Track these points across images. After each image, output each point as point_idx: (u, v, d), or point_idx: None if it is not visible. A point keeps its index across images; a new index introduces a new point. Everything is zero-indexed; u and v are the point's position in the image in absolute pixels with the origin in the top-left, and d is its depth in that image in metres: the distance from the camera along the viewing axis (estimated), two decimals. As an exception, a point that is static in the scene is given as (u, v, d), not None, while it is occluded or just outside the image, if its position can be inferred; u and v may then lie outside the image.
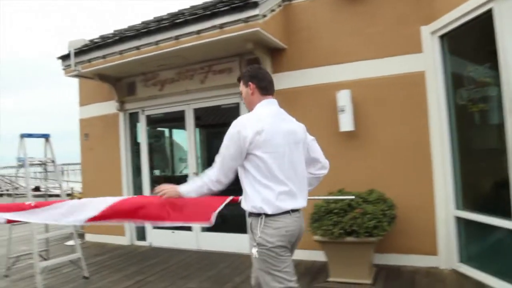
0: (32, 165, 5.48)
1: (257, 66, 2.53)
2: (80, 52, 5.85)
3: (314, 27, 5.33)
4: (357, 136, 5.00)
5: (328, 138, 5.13)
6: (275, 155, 2.17)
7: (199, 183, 2.34)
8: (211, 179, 2.29)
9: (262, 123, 2.18)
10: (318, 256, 5.11)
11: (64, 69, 6.19)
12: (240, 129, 2.18)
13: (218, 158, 2.27)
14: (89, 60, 5.82)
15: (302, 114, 5.35)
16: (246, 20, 4.59)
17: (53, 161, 5.36)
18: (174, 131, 7.01)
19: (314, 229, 4.35)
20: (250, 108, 2.43)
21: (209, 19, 4.78)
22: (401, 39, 4.81)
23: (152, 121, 6.73)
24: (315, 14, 5.34)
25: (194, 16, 4.84)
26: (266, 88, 2.39)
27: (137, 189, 6.84)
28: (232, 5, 4.61)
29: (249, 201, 2.21)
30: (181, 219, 2.68)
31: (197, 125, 6.19)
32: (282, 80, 5.46)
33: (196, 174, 6.11)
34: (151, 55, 5.30)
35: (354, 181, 4.82)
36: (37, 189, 21.56)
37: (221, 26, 4.72)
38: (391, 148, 4.83)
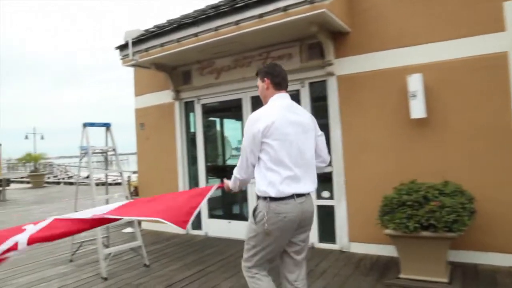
0: (94, 153, 5.56)
1: (273, 63, 2.71)
2: (137, 41, 5.86)
3: (380, 7, 5.00)
4: (429, 123, 4.65)
5: (398, 126, 4.83)
6: (284, 143, 2.40)
7: (232, 179, 2.70)
8: (236, 177, 2.64)
9: (273, 115, 2.42)
10: (384, 250, 4.87)
11: (121, 59, 6.24)
12: (254, 123, 2.43)
13: (240, 156, 2.54)
14: (147, 49, 5.81)
15: (369, 101, 5.13)
16: (311, 1, 4.35)
17: (114, 150, 5.40)
18: (228, 120, 6.88)
19: (385, 222, 4.09)
20: (265, 102, 2.65)
21: (272, 2, 4.58)
22: (479, 17, 4.39)
23: (208, 110, 6.66)
24: (382, -7, 5.00)
25: (255, 0, 4.65)
26: (279, 84, 2.61)
27: (192, 178, 6.83)
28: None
29: (257, 185, 2.46)
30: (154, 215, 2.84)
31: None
32: (346, 65, 5.19)
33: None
34: (209, 41, 5.18)
35: (426, 172, 4.51)
36: (88, 177, 22.60)
37: (285, 8, 4.51)
38: (468, 136, 4.45)
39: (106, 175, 5.85)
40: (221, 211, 6.81)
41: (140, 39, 5.83)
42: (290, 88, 5.64)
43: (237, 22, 4.85)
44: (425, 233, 3.85)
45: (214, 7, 5.60)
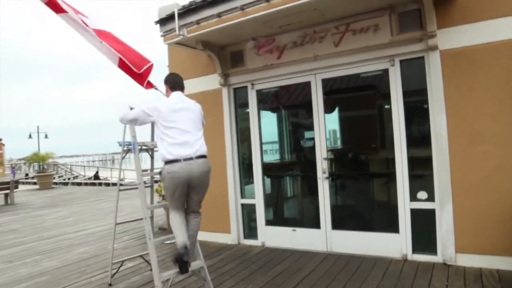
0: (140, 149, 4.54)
1: (169, 74, 3.94)
2: (186, 11, 4.82)
3: (501, -37, 3.98)
4: None
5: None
6: (173, 123, 3.43)
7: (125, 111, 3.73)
8: (123, 118, 3.72)
9: (166, 104, 3.54)
10: (507, 263, 3.90)
11: (163, 35, 5.17)
12: (156, 105, 3.52)
13: (138, 109, 3.61)
14: (198, 21, 4.77)
15: (483, 80, 4.00)
16: None
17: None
18: (292, 109, 5.85)
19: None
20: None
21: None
22: None
23: (265, 97, 5.63)
24: None
25: None
26: (173, 87, 3.72)
27: (245, 183, 5.81)
28: None
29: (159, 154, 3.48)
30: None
31: (327, 98, 5.00)
32: (453, 37, 4.20)
33: (326, 159, 4.97)
34: (285, 7, 4.16)
35: None
36: (96, 177, 21.62)
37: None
38: None
39: (152, 178, 4.79)
40: (282, 216, 5.81)
41: (190, 9, 4.79)
42: (374, 67, 4.84)
43: (324, -20, 3.83)
44: None
45: None
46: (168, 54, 6.47)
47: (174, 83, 3.71)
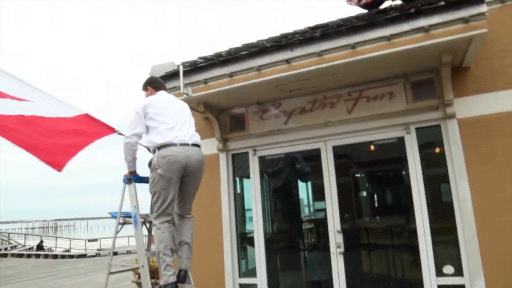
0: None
1: (150, 76, 3.91)
2: (194, 69, 4.53)
3: (508, 40, 4.19)
4: None
5: None
6: (165, 111, 3.36)
7: (124, 151, 3.40)
8: (127, 136, 3.34)
9: (153, 98, 3.50)
10: None
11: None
12: (142, 103, 3.39)
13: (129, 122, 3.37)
14: (206, 81, 4.49)
15: (502, 147, 3.99)
16: (466, 19, 3.41)
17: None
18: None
19: None
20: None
21: (409, 20, 3.58)
22: None
23: (268, 164, 5.28)
24: (508, 23, 4.22)
25: (387, 17, 3.63)
26: (158, 87, 3.68)
27: (245, 259, 5.22)
28: (449, 1, 3.44)
29: (149, 143, 3.33)
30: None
31: (338, 166, 4.75)
32: (468, 106, 4.24)
33: (340, 232, 4.59)
34: (304, 70, 4.01)
35: None
36: (40, 247, 19.27)
37: (427, 29, 3.53)
38: None
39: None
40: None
41: (197, 67, 4.51)
42: (388, 135, 4.74)
43: (353, 45, 3.76)
44: None
45: (317, 27, 4.49)
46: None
47: (158, 83, 3.70)
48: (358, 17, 4.07)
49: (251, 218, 5.15)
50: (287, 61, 4.06)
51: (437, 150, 4.37)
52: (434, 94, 4.35)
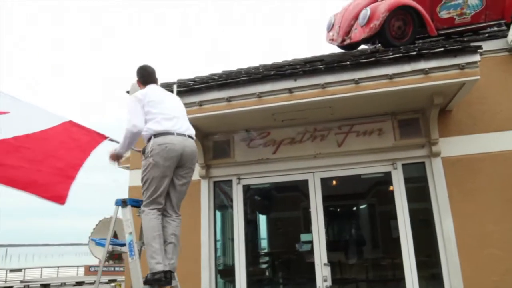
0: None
1: (139, 67, 3.57)
2: (189, 90, 4.38)
3: (485, 89, 4.58)
4: None
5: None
6: (161, 103, 3.26)
7: (122, 139, 3.23)
8: (127, 127, 3.15)
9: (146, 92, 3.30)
10: None
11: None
12: (137, 95, 3.25)
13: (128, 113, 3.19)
14: (201, 103, 4.35)
15: (482, 185, 4.30)
16: (462, 66, 3.70)
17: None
18: (285, 209, 5.42)
19: None
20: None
21: (410, 62, 3.81)
22: None
23: (252, 194, 5.16)
24: (485, 74, 4.63)
25: (390, 56, 3.82)
26: (146, 82, 3.46)
27: None
28: (447, 48, 3.72)
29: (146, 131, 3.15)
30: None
31: (326, 199, 4.76)
32: (453, 146, 4.53)
33: (327, 265, 4.54)
34: (305, 101, 4.06)
35: None
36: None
37: (427, 71, 3.77)
38: None
39: None
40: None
41: (193, 88, 4.36)
42: (375, 170, 4.86)
43: (357, 81, 3.89)
44: None
45: (318, 60, 4.57)
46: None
47: (148, 76, 3.50)
48: (363, 53, 4.22)
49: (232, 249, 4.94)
50: (290, 90, 4.09)
51: (422, 186, 4.57)
52: (420, 133, 4.60)
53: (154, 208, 3.12)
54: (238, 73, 4.65)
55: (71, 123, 3.64)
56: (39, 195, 2.90)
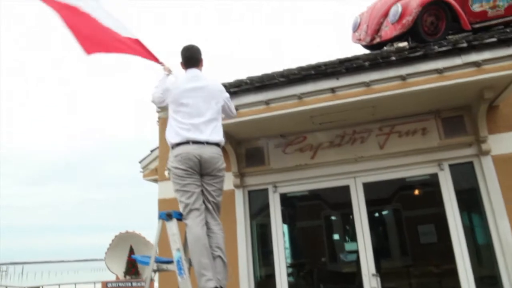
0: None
1: (184, 47, 3.35)
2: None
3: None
4: None
5: None
6: (183, 107, 3.09)
7: (161, 80, 3.34)
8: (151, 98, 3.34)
9: (177, 84, 3.20)
10: None
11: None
12: (168, 87, 3.22)
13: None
14: (236, 108, 4.15)
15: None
16: (518, 56, 3.50)
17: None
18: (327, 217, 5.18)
19: None
20: None
21: (460, 54, 3.62)
22: None
23: (289, 202, 4.93)
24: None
25: (439, 50, 3.64)
26: (186, 64, 3.29)
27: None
28: (500, 38, 3.53)
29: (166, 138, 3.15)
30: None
31: (369, 204, 4.53)
32: (500, 143, 4.28)
33: (375, 275, 4.27)
34: (348, 101, 3.88)
35: None
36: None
37: (479, 63, 3.57)
38: None
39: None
40: None
41: (228, 92, 4.17)
42: (421, 172, 4.63)
43: (404, 77, 3.70)
44: None
45: (355, 59, 4.36)
46: (160, 145, 5.48)
47: (186, 59, 3.29)
48: (411, 48, 4.02)
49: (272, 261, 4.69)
50: (332, 90, 3.91)
51: (472, 187, 4.32)
52: (466, 131, 4.38)
53: (194, 217, 2.95)
54: (272, 75, 4.43)
55: (137, 41, 3.62)
56: (77, 37, 3.27)
